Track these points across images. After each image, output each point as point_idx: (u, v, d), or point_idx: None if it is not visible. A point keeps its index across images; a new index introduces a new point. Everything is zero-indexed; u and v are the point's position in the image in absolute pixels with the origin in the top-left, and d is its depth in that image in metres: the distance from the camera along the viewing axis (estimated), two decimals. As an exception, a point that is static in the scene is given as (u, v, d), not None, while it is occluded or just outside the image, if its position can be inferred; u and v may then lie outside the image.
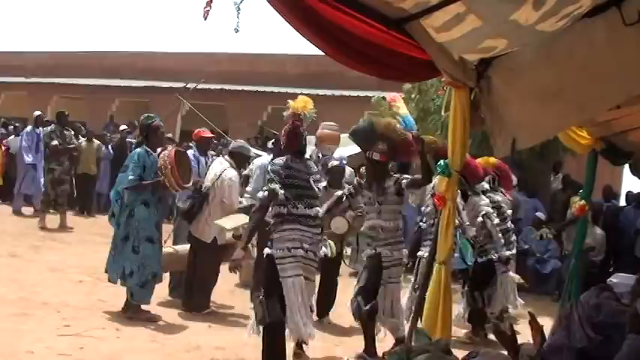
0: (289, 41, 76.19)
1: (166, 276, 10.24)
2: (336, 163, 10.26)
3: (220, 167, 10.00)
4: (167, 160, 9.10)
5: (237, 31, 4.22)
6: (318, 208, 7.43)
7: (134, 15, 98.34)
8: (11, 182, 20.53)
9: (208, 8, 3.99)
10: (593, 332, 3.90)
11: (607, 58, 4.73)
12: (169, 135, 20.16)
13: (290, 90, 26.60)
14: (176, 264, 10.05)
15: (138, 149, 9.33)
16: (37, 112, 19.41)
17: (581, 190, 9.83)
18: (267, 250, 7.32)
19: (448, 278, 5.42)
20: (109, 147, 21.26)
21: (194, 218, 9.96)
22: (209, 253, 9.85)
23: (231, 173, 9.88)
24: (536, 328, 4.38)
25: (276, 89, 27.57)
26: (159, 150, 9.86)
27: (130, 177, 9.03)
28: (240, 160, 10.37)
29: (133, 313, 9.04)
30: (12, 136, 21.64)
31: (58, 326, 8.21)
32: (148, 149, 9.29)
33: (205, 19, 4.01)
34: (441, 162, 5.53)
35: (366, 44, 4.87)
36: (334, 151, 11.71)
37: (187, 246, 10.23)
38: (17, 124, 22.89)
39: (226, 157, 10.39)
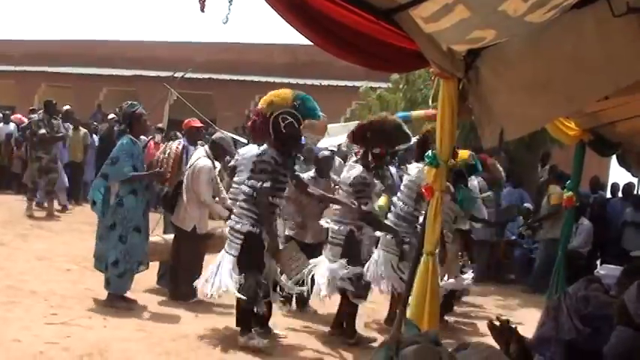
0: (277, 31, 76.15)
1: (155, 264, 10.25)
2: (327, 153, 10.35)
3: (196, 156, 9.99)
4: (173, 153, 9.20)
5: (225, 22, 4.20)
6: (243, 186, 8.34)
7: (122, 4, 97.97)
8: (4, 170, 20.74)
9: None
10: (582, 324, 3.90)
11: (595, 50, 4.74)
12: (160, 125, 20.12)
13: (277, 80, 26.59)
14: (164, 254, 10.06)
15: (124, 139, 9.22)
16: (67, 107, 19.41)
17: (568, 182, 9.86)
18: None
19: (436, 269, 5.43)
20: (94, 135, 21.16)
21: (173, 207, 9.98)
22: (191, 242, 9.86)
23: (203, 163, 9.79)
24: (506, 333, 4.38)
25: (263, 79, 27.55)
26: (145, 139, 9.87)
27: (126, 169, 8.98)
28: (220, 152, 10.33)
29: (110, 301, 9.04)
30: (0, 124, 21.61)
31: (45, 314, 8.21)
32: (133, 138, 9.25)
33: (202, 10, 3.98)
34: (429, 152, 5.54)
35: (354, 34, 4.86)
36: (319, 140, 11.73)
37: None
38: (7, 112, 22.82)
39: (206, 147, 10.36)
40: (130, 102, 9.62)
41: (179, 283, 9.82)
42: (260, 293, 7.89)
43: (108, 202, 9.04)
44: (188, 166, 9.95)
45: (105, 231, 9.05)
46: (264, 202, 7.99)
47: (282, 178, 8.18)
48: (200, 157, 9.87)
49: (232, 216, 8.34)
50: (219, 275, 7.97)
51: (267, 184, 7.96)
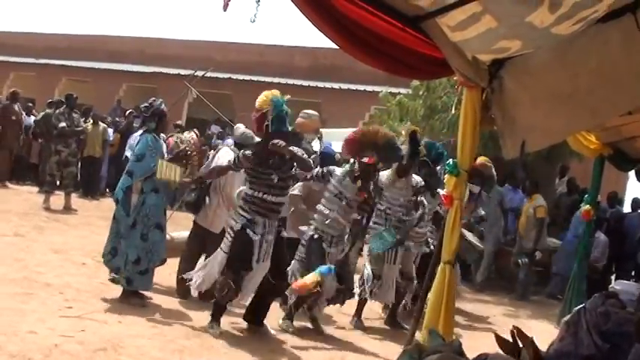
0: (298, 33, 76.18)
1: (171, 262, 10.25)
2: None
3: (226, 157, 9.97)
4: (193, 144, 9.22)
5: (253, 21, 4.21)
6: None
7: (145, 0, 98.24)
8: (22, 161, 20.74)
9: (229, 0, 3.98)
10: (601, 340, 3.89)
11: (620, 64, 4.74)
12: (179, 122, 20.20)
13: (297, 82, 26.67)
14: (172, 251, 10.06)
15: (148, 136, 9.20)
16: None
17: (586, 195, 9.85)
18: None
19: (452, 278, 5.43)
20: (109, 130, 21.19)
21: (200, 209, 9.96)
22: (218, 244, 9.84)
23: None
24: (525, 342, 4.35)
25: (283, 81, 27.58)
26: (164, 136, 9.86)
27: (152, 164, 8.96)
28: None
29: (125, 297, 9.01)
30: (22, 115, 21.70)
31: (60, 307, 8.23)
32: (155, 135, 9.26)
33: (225, 10, 4.00)
34: (450, 161, 5.55)
35: (380, 40, 4.88)
36: (313, 139, 11.80)
37: (184, 233, 10.30)
38: (29, 104, 22.91)
39: (232, 147, 10.37)
40: (156, 98, 9.61)
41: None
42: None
43: (129, 200, 9.02)
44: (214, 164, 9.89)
45: (126, 229, 8.99)
46: (251, 197, 8.35)
47: (264, 173, 8.31)
48: (230, 159, 9.87)
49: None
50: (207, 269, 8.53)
51: (250, 179, 8.41)
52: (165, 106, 9.46)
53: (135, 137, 14.35)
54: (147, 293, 9.23)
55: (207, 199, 9.90)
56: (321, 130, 12.94)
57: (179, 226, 11.02)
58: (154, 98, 9.62)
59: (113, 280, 9.13)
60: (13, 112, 19.27)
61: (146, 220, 8.96)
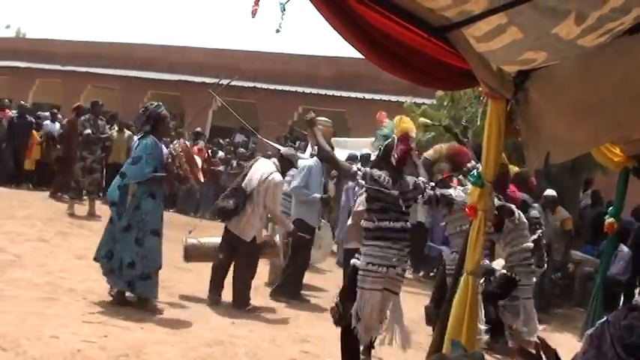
0: (323, 43, 76.29)
1: (197, 269, 10.24)
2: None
3: (268, 170, 10.05)
4: (181, 151, 9.24)
5: (278, 31, 4.23)
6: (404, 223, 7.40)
7: (170, 8, 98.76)
8: (44, 167, 20.75)
9: (257, 7, 4.00)
10: (625, 353, 3.87)
11: (646, 76, 4.71)
12: (199, 129, 20.23)
13: (322, 91, 26.70)
14: (201, 257, 10.13)
15: (148, 140, 9.17)
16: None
17: (610, 208, 9.80)
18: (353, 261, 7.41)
19: (475, 289, 5.41)
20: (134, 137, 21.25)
21: (233, 217, 10.03)
22: (249, 251, 9.96)
23: (279, 178, 10.07)
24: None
25: (307, 90, 27.65)
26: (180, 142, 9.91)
27: (146, 170, 8.97)
28: (288, 167, 10.56)
29: (139, 305, 9.02)
30: (47, 121, 21.78)
31: (83, 313, 8.29)
32: (156, 139, 9.26)
33: (253, 16, 4.03)
34: (474, 172, 5.53)
35: (405, 49, 4.88)
36: None
37: (213, 239, 10.38)
38: (55, 111, 22.98)
39: (274, 160, 10.45)
40: (155, 103, 9.67)
41: (234, 291, 10.03)
42: None
43: (124, 202, 8.99)
44: (257, 178, 10.02)
45: (119, 232, 8.96)
46: None
47: None
48: (272, 171, 9.99)
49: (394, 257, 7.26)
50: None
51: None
52: (162, 110, 9.43)
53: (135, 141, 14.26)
54: (168, 300, 9.26)
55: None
56: (346, 139, 12.95)
57: (204, 234, 11.04)
58: (151, 102, 9.72)
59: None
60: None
61: (142, 225, 8.95)
